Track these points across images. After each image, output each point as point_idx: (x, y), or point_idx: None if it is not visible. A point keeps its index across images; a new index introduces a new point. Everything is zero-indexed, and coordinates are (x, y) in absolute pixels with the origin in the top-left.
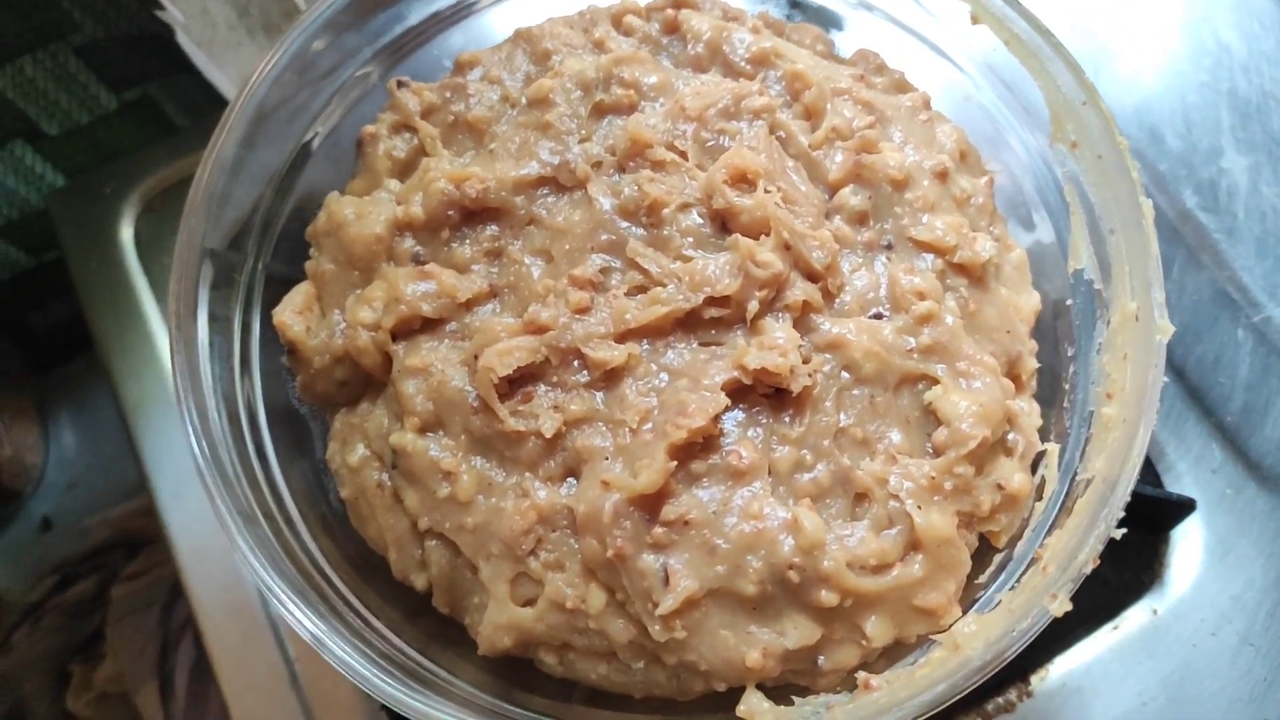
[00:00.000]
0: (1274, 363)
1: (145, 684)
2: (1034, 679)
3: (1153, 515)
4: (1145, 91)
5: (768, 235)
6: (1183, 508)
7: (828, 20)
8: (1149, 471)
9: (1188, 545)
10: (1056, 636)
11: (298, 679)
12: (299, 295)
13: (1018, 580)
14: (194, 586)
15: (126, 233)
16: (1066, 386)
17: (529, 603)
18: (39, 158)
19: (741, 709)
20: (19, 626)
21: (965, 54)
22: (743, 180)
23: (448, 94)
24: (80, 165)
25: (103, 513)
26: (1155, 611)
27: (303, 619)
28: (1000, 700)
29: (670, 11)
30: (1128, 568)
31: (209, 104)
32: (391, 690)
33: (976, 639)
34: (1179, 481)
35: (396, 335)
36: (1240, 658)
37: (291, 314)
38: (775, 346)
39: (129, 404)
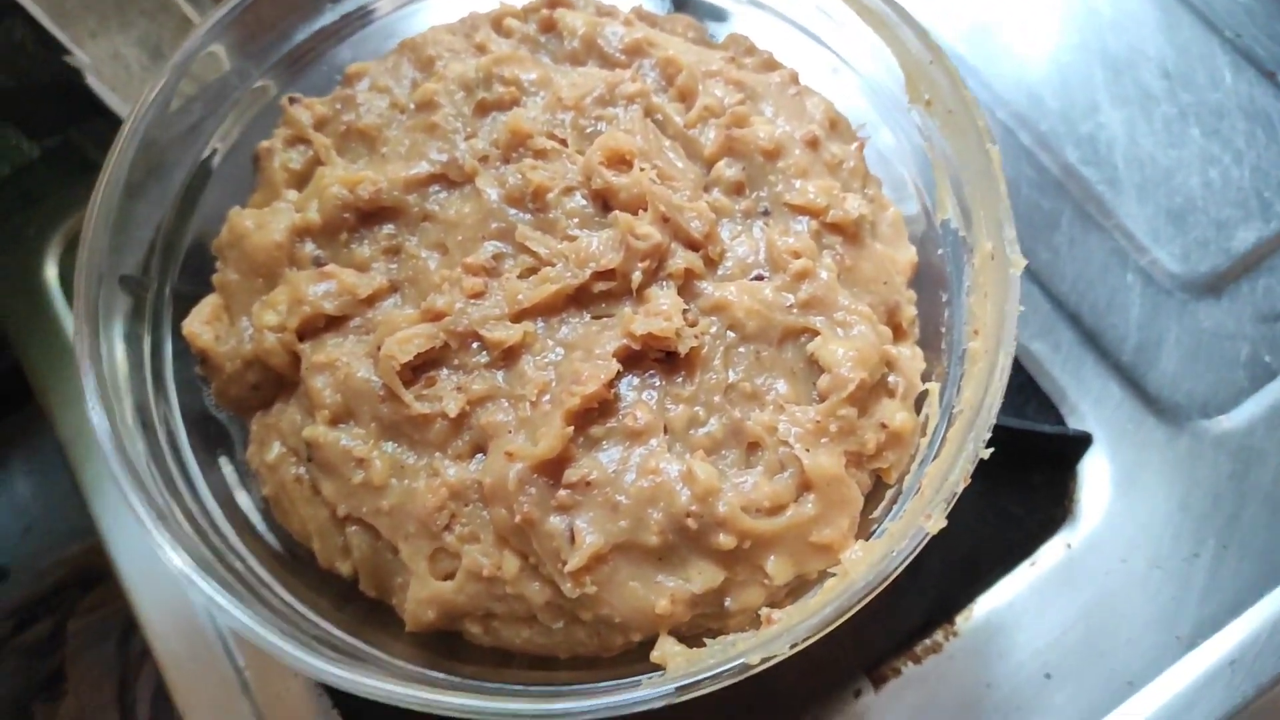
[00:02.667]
0: (1163, 301)
1: (107, 717)
2: (959, 619)
3: (1056, 451)
4: (1022, 57)
5: (645, 210)
6: (1081, 442)
7: (705, 13)
8: (1051, 412)
9: (1095, 480)
10: (977, 576)
11: (249, 687)
12: (206, 307)
13: (903, 510)
14: (145, 611)
15: (51, 272)
16: (944, 330)
17: (449, 576)
18: None
19: (655, 655)
20: None
21: (828, 30)
22: (620, 161)
23: (338, 105)
24: (7, 215)
25: (57, 553)
26: (1069, 545)
27: (229, 608)
28: (928, 642)
29: (546, 11)
30: (1041, 506)
31: None
32: (324, 666)
33: (861, 564)
34: (1081, 420)
35: (302, 335)
36: (1150, 581)
37: (200, 324)
38: (660, 313)
39: (67, 438)
